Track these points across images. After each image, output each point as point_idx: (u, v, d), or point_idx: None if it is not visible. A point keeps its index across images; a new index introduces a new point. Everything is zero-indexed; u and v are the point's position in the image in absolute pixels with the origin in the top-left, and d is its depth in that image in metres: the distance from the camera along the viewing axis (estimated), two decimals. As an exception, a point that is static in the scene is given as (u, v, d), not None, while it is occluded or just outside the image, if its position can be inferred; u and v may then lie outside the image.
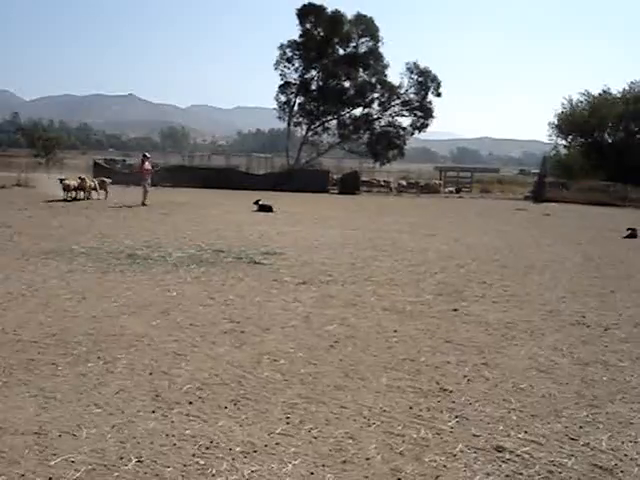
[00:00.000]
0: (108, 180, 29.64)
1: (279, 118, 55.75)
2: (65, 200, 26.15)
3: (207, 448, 4.68)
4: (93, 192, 27.82)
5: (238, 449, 4.68)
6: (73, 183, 27.02)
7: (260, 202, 25.60)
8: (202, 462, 4.46)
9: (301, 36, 53.17)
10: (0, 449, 4.54)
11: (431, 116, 54.27)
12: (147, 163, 26.96)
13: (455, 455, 4.72)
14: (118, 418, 5.12)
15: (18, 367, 6.26)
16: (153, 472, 4.30)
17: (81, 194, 27.33)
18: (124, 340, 7.27)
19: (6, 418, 5.04)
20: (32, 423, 4.98)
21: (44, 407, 5.30)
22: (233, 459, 4.52)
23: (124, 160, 53.70)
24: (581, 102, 52.32)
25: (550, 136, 53.59)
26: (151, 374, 6.19)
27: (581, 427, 5.31)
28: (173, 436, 4.85)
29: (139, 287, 10.17)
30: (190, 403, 5.50)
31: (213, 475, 4.30)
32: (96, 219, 20.01)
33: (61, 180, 27.23)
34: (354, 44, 53.77)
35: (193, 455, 4.56)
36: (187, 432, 4.92)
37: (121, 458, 4.47)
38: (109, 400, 5.49)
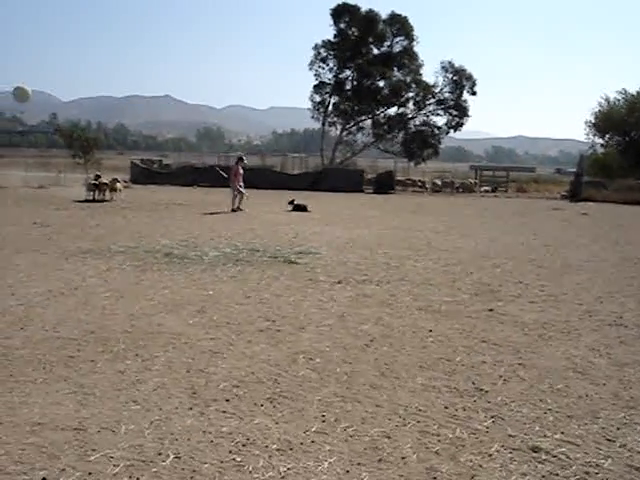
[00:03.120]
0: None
1: (313, 118, 55.85)
2: (94, 200, 26.25)
3: (243, 445, 4.72)
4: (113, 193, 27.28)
5: (274, 446, 4.71)
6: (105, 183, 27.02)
7: (295, 202, 25.60)
8: (238, 459, 4.50)
9: (335, 36, 53.21)
10: (41, 444, 4.62)
11: (466, 115, 54.00)
12: (240, 167, 25.44)
13: (491, 455, 4.71)
14: (156, 415, 5.19)
15: (58, 364, 6.37)
16: (190, 468, 4.35)
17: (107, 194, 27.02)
18: (161, 338, 7.35)
19: (46, 414, 5.13)
20: (72, 419, 5.06)
21: (83, 403, 5.38)
22: (269, 456, 4.56)
23: (160, 160, 54.05)
24: (618, 100, 51.71)
25: (587, 135, 53.01)
26: (188, 372, 6.26)
27: (618, 428, 5.26)
28: (210, 433, 4.89)
29: (176, 286, 10.27)
30: (227, 401, 5.55)
31: (249, 472, 4.33)
32: (133, 219, 20.22)
33: (96, 178, 27.49)
34: (388, 43, 53.70)
35: (230, 452, 4.60)
36: (224, 429, 4.97)
37: (159, 454, 4.52)
38: (147, 397, 5.56)
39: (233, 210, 24.13)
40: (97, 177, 27.67)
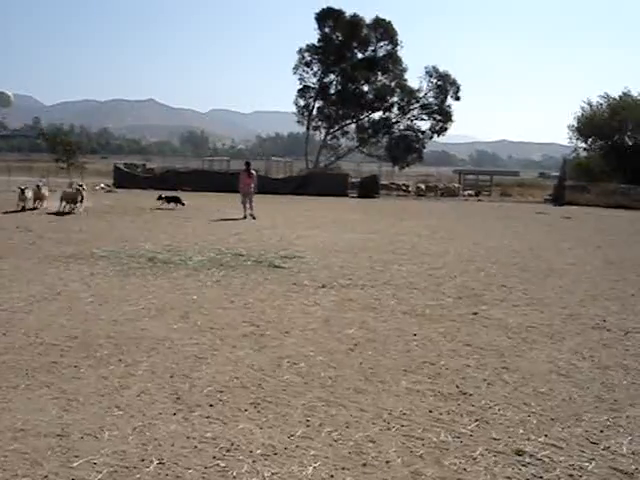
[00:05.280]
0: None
1: (298, 122, 56.01)
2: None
3: (227, 450, 4.70)
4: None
5: (258, 451, 4.70)
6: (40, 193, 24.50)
7: (164, 195, 26.04)
8: (223, 464, 4.49)
9: (320, 40, 53.35)
10: (23, 451, 4.59)
11: (450, 120, 54.27)
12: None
13: (475, 459, 4.72)
14: (139, 420, 5.16)
15: (40, 370, 6.33)
16: (174, 474, 4.33)
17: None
18: (145, 343, 7.32)
19: (29, 420, 5.10)
20: (54, 425, 5.03)
21: (66, 409, 5.35)
22: (253, 461, 4.55)
23: (144, 164, 53.93)
24: (601, 104, 52.01)
25: (570, 139, 53.25)
26: (172, 377, 6.24)
27: (601, 431, 5.29)
28: (194, 438, 4.88)
29: (160, 290, 10.23)
30: (211, 406, 5.53)
31: (234, 477, 4.32)
32: (117, 223, 20.13)
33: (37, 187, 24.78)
34: (373, 48, 53.91)
35: (214, 457, 4.59)
36: (208, 434, 4.95)
37: (142, 460, 4.50)
38: (131, 402, 5.53)
39: (252, 216, 23.59)
40: (37, 187, 25.10)
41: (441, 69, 53.55)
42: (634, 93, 51.66)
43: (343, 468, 4.50)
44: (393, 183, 48.67)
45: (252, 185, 24.59)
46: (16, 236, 16.20)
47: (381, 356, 7.19)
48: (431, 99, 54.10)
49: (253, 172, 25.27)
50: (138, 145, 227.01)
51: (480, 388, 6.24)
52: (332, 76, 54.46)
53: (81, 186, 25.15)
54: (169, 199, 26.13)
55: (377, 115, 55.60)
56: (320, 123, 55.64)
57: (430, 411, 5.60)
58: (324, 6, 52.93)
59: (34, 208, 24.22)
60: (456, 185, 50.25)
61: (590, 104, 52.23)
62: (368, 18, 53.27)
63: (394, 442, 4.95)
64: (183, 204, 25.41)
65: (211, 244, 15.67)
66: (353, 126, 56.10)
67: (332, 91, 54.55)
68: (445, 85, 53.29)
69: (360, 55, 54.09)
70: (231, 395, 5.81)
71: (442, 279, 12.09)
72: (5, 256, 12.98)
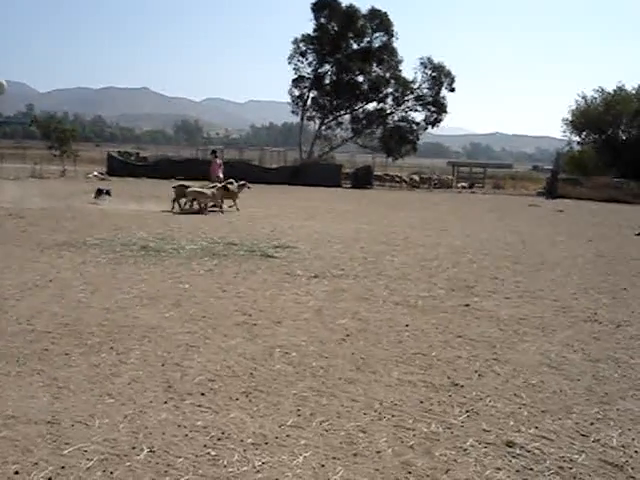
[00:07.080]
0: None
1: (292, 112, 55.84)
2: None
3: (218, 439, 4.70)
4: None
5: (249, 440, 4.70)
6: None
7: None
8: (213, 453, 4.49)
9: (315, 30, 53.17)
10: (14, 438, 4.57)
11: (444, 111, 54.22)
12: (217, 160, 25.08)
13: (465, 450, 4.72)
14: (130, 408, 5.15)
15: (32, 357, 6.30)
16: (165, 462, 4.32)
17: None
18: (137, 331, 7.30)
19: (19, 407, 5.08)
20: (45, 412, 5.01)
21: (57, 397, 5.33)
22: (244, 450, 4.54)
23: (138, 153, 53.81)
24: (595, 98, 52.13)
25: (564, 132, 53.44)
26: (163, 365, 6.22)
27: (592, 423, 5.30)
28: (185, 427, 4.87)
29: (152, 279, 10.20)
30: (202, 394, 5.52)
31: (224, 466, 4.32)
32: (109, 211, 20.07)
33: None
34: (368, 39, 53.77)
35: (205, 446, 4.59)
36: (199, 423, 4.95)
37: (133, 448, 4.50)
38: (122, 390, 5.52)
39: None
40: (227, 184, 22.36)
41: (436, 61, 53.55)
42: (628, 87, 51.88)
43: (334, 458, 4.50)
44: (387, 174, 48.71)
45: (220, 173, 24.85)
46: (8, 223, 16.15)
47: (373, 346, 7.19)
48: (425, 90, 54.05)
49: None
50: (131, 133, 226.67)
51: (471, 379, 6.25)
52: (327, 66, 54.32)
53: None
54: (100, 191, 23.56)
55: (372, 106, 55.57)
56: (314, 113, 55.52)
57: (421, 402, 5.61)
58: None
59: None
60: (450, 177, 50.35)
61: (585, 98, 52.42)
62: (364, 9, 53.21)
63: (385, 432, 4.95)
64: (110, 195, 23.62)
65: (204, 233, 15.65)
66: (347, 117, 56.02)
67: (327, 81, 54.43)
68: (440, 76, 53.23)
69: (355, 46, 53.96)
70: (222, 384, 5.80)
71: (434, 270, 12.10)
72: (-3, 243, 12.94)
